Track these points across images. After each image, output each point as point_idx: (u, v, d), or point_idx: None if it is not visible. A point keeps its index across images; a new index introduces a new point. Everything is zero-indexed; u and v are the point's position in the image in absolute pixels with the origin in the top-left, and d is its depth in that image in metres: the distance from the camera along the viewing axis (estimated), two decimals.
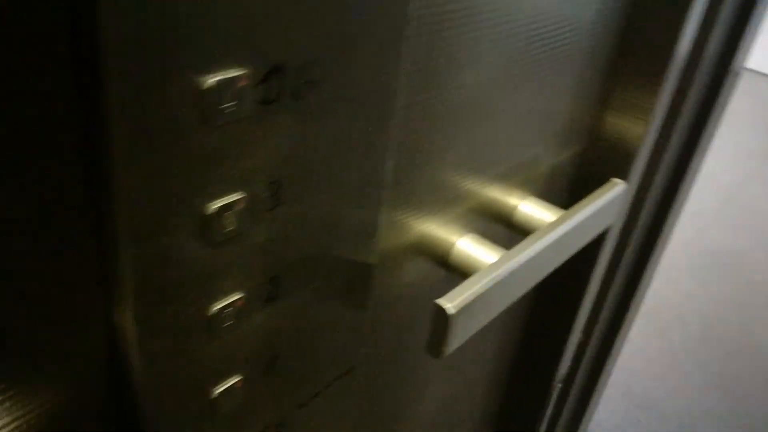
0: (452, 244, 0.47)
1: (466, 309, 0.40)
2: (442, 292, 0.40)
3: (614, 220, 0.59)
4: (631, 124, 0.57)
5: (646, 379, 1.70)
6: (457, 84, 0.38)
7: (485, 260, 0.46)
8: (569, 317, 0.68)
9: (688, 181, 0.83)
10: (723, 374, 1.77)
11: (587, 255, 0.63)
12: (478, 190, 0.48)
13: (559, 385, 0.77)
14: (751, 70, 5.76)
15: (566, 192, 0.61)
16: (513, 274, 0.45)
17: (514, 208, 0.53)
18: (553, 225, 0.49)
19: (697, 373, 1.75)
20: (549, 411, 0.79)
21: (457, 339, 0.41)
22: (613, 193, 0.54)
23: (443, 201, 0.44)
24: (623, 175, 0.59)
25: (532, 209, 0.53)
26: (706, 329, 1.95)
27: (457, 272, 0.46)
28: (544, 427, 0.80)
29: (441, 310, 0.38)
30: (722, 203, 2.89)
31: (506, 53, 0.42)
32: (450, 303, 0.39)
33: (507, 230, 0.54)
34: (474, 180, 0.47)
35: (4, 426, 0.24)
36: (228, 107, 0.23)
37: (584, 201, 0.51)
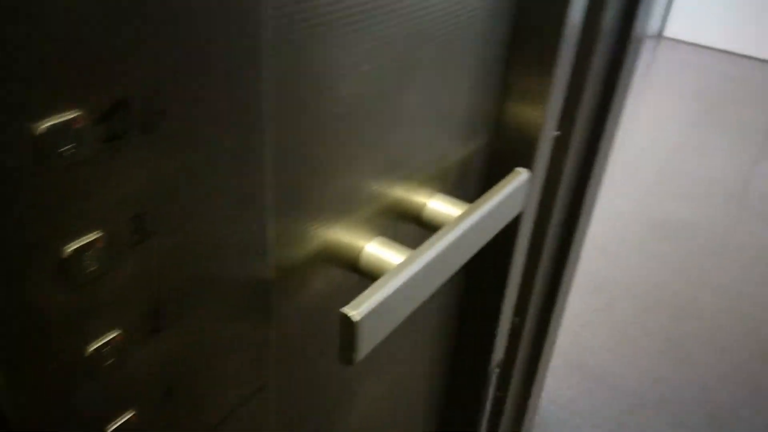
0: (361, 249, 0.47)
1: (373, 314, 0.41)
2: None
3: (523, 207, 0.61)
4: (530, 110, 0.59)
5: (597, 351, 1.75)
6: (341, 87, 0.39)
7: (394, 262, 0.47)
8: (496, 302, 0.70)
9: (602, 155, 0.86)
10: (671, 340, 1.83)
11: (505, 242, 0.65)
12: (385, 191, 0.49)
13: (497, 370, 0.79)
14: (683, 41, 5.97)
15: (477, 185, 0.62)
16: (420, 273, 0.45)
17: (423, 206, 0.54)
18: (458, 220, 0.50)
19: (646, 342, 1.81)
20: (490, 396, 0.81)
21: (367, 344, 0.41)
22: (517, 183, 0.55)
23: (348, 206, 0.45)
24: (528, 162, 0.60)
25: (440, 206, 0.54)
26: (652, 298, 2.02)
27: (368, 277, 0.47)
28: (487, 412, 0.82)
29: (346, 318, 0.39)
30: (660, 173, 3.00)
31: (395, 49, 0.43)
32: (355, 310, 0.40)
33: (420, 229, 0.55)
34: (378, 182, 0.47)
35: None
36: (67, 150, 0.23)
37: (488, 194, 0.52)
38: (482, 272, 0.69)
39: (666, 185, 2.86)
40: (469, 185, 0.60)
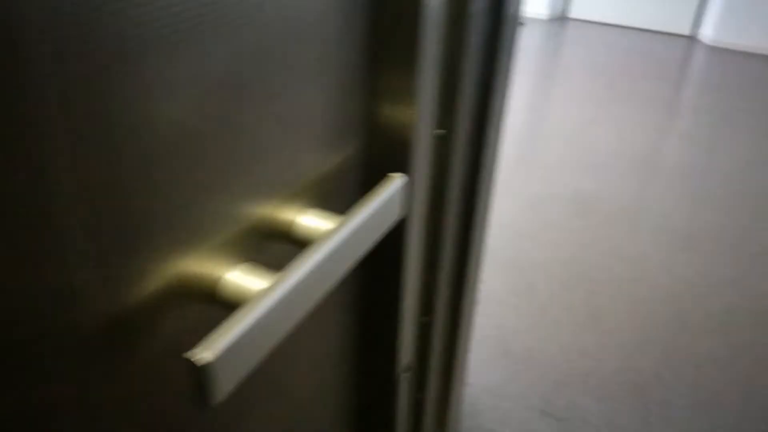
0: (218, 280, 0.44)
1: (230, 351, 0.38)
2: None
3: (405, 212, 0.59)
4: (401, 109, 0.57)
5: (522, 332, 1.77)
6: (165, 113, 0.36)
7: (255, 289, 0.44)
8: (394, 307, 0.68)
9: (492, 144, 0.85)
10: (590, 313, 1.88)
11: (394, 247, 0.63)
12: (245, 213, 0.46)
13: (406, 374, 0.77)
14: (586, 21, 6.18)
15: (354, 194, 0.59)
16: (287, 297, 0.43)
17: (292, 224, 0.51)
18: (327, 235, 0.47)
19: (567, 317, 1.85)
20: (404, 401, 0.79)
21: (226, 385, 0.38)
22: (392, 189, 0.53)
23: (198, 234, 0.41)
24: (405, 165, 0.58)
25: (310, 222, 0.51)
26: (571, 274, 2.07)
27: (230, 309, 0.44)
28: (404, 417, 0.81)
29: (192, 364, 0.36)
30: (571, 150, 3.08)
31: (232, 65, 0.39)
32: (205, 351, 0.36)
33: (294, 249, 0.52)
34: (234, 205, 0.44)
35: None
36: None
37: (358, 204, 0.50)
38: (377, 279, 0.67)
39: (576, 161, 2.94)
40: (345, 195, 0.58)
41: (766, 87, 4.64)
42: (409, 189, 0.59)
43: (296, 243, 0.51)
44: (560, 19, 6.26)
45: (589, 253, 2.18)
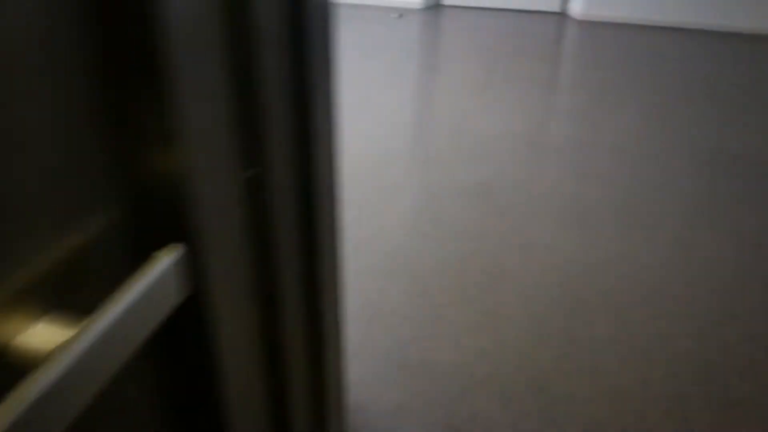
0: None
1: None
2: None
3: (192, 288, 0.47)
4: (167, 155, 0.43)
5: (418, 343, 1.69)
6: None
7: None
8: (213, 397, 0.55)
9: (326, 164, 0.74)
10: (486, 311, 1.83)
11: (192, 331, 0.50)
12: None
13: None
14: (461, 6, 6.23)
15: (116, 280, 0.46)
16: None
17: (6, 346, 0.37)
18: (55, 354, 0.34)
19: (462, 319, 1.79)
20: None
21: None
22: (157, 271, 0.40)
23: None
24: (187, 228, 0.46)
25: (36, 337, 0.37)
26: (462, 271, 2.01)
27: None
28: None
29: None
30: (458, 139, 3.05)
31: None
32: None
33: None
34: None
35: None
36: None
37: (106, 301, 0.37)
38: (183, 370, 0.54)
39: (466, 150, 2.91)
40: (99, 287, 0.44)
41: (638, 56, 4.84)
42: (193, 259, 0.46)
43: (18, 369, 0.37)
44: (435, 6, 6.28)
45: (482, 247, 2.13)
